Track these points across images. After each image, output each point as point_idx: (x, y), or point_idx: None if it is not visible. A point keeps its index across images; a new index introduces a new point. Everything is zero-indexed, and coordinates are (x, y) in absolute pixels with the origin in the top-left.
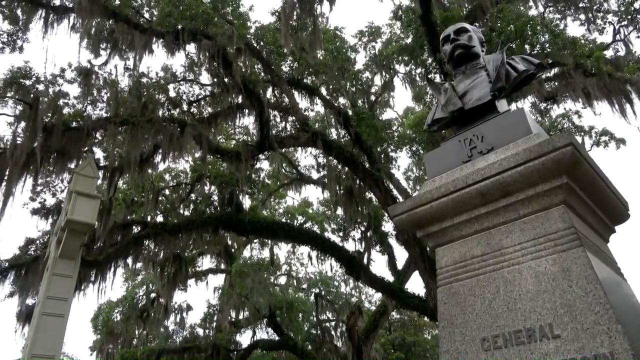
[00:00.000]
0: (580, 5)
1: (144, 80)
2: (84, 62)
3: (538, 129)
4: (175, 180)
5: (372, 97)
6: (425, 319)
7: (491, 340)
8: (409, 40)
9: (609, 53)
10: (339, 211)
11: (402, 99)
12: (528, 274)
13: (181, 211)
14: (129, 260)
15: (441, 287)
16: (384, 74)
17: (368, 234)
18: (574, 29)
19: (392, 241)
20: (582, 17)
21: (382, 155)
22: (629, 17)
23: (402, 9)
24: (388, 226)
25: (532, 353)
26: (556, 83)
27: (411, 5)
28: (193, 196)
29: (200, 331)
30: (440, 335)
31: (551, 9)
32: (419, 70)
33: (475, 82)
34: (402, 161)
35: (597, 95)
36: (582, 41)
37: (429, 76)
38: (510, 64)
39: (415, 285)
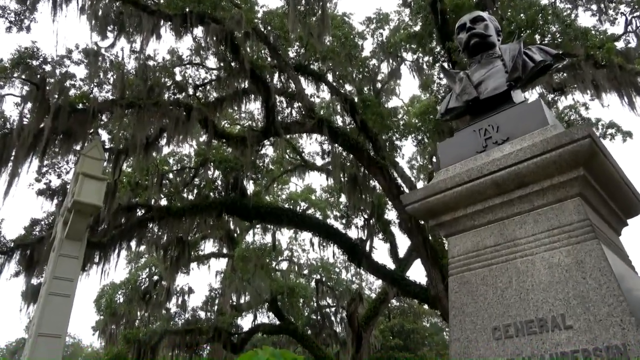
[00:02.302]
0: None
1: (151, 63)
2: (91, 44)
3: (554, 120)
4: (179, 164)
5: (379, 85)
6: (425, 306)
7: (502, 329)
8: (417, 28)
9: (619, 44)
10: (342, 198)
11: (408, 87)
12: (541, 265)
13: (185, 195)
14: (133, 243)
15: (453, 276)
16: (390, 61)
17: (371, 221)
18: (585, 19)
19: (395, 229)
20: (594, 7)
21: (387, 143)
22: None
23: None
24: (391, 214)
25: (543, 343)
26: (565, 74)
27: None
28: (197, 180)
29: (202, 314)
30: (451, 324)
31: None
32: (426, 59)
33: (490, 72)
34: (406, 150)
35: (607, 87)
36: (593, 32)
37: (444, 65)
38: (527, 54)
39: (416, 273)
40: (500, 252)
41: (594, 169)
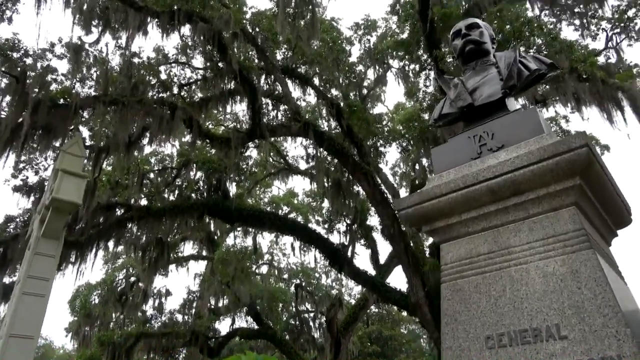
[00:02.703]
0: (576, 10)
1: (136, 60)
2: (75, 38)
3: (549, 129)
4: (161, 164)
5: (364, 91)
6: (404, 313)
7: (496, 338)
8: (404, 35)
9: (600, 59)
10: (325, 203)
11: (393, 94)
12: (536, 273)
13: (166, 196)
14: (111, 243)
15: (445, 284)
16: (377, 67)
17: (353, 227)
18: (568, 33)
19: (377, 236)
20: (577, 22)
21: (371, 149)
22: (622, 24)
23: (400, 2)
24: (373, 220)
25: (537, 353)
26: (547, 87)
27: (409, 0)
28: (179, 181)
29: (179, 317)
30: (443, 332)
31: (547, 12)
32: (412, 67)
33: (485, 79)
34: (390, 156)
35: (589, 100)
36: (577, 46)
37: (432, 72)
38: (522, 63)
39: (395, 280)
40: (494, 259)
41: (589, 179)
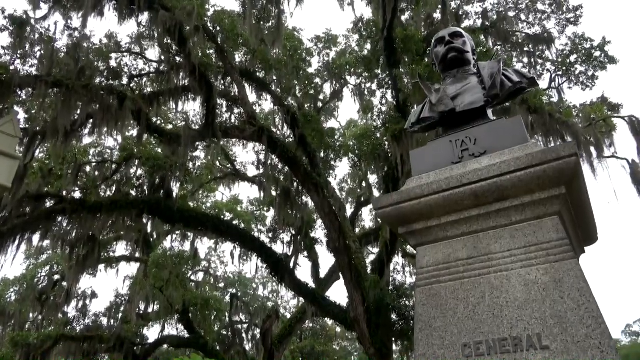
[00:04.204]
0: (525, 49)
1: (85, 44)
2: (20, 11)
3: (534, 139)
4: (101, 157)
5: (320, 104)
6: (337, 329)
7: (473, 346)
8: (364, 53)
9: (544, 98)
10: (270, 213)
11: (346, 111)
12: (517, 281)
13: (103, 191)
14: (36, 236)
15: (420, 288)
16: (334, 82)
17: (298, 238)
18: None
19: (320, 249)
20: (525, 60)
21: (323, 161)
22: (564, 68)
23: (364, 21)
24: (318, 233)
25: None
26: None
27: (373, 18)
28: (118, 177)
29: (104, 321)
30: (417, 338)
31: (500, 47)
32: (369, 85)
33: (467, 87)
34: (339, 171)
35: (536, 132)
36: None
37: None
38: (505, 75)
39: (334, 295)
40: (474, 265)
41: (573, 190)
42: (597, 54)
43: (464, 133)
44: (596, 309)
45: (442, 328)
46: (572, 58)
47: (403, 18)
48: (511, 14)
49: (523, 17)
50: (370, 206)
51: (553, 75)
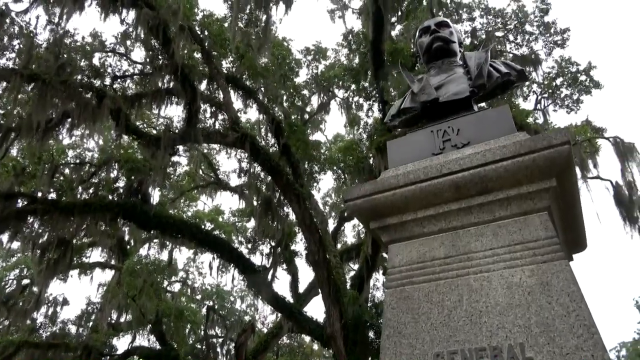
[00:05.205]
0: None
1: (68, 41)
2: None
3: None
4: (78, 158)
5: (306, 116)
6: (315, 347)
7: (447, 356)
8: (353, 66)
9: (529, 120)
10: (250, 223)
11: (333, 125)
12: (499, 283)
13: (79, 195)
14: (5, 237)
15: (391, 289)
16: (322, 95)
17: (278, 250)
18: None
19: (300, 262)
20: None
21: (307, 173)
22: (550, 90)
23: (353, 33)
24: (299, 246)
25: None
26: None
27: (362, 30)
28: (96, 179)
29: (72, 329)
30: (383, 346)
31: None
32: (356, 99)
33: (451, 77)
34: (323, 185)
35: None
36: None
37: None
38: (492, 65)
39: (312, 311)
40: (451, 265)
41: (565, 184)
42: (583, 78)
43: (447, 123)
44: (588, 316)
45: (413, 335)
46: (558, 81)
47: (393, 33)
48: (500, 34)
49: (511, 37)
50: (354, 221)
51: (539, 97)
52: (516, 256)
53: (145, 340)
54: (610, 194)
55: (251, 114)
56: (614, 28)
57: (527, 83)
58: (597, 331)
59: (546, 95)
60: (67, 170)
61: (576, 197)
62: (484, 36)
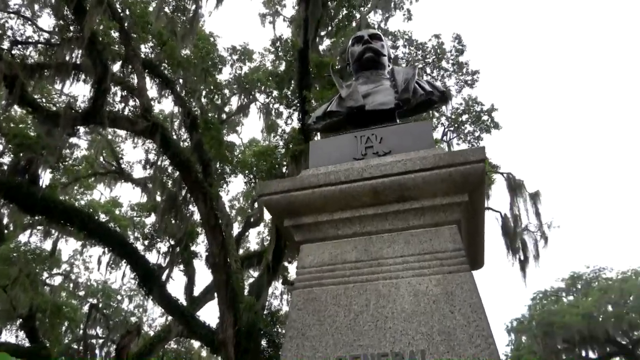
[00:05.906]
0: None
1: None
2: None
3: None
4: None
5: (224, 116)
6: (203, 353)
7: None
8: (278, 72)
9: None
10: (150, 219)
11: (250, 129)
12: (406, 290)
13: None
14: None
15: (298, 290)
16: (243, 97)
17: (177, 249)
18: None
19: (199, 265)
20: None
21: (218, 173)
22: (456, 125)
23: (282, 40)
24: (199, 247)
25: None
26: None
27: (292, 39)
28: None
29: None
30: (285, 348)
31: None
32: (277, 106)
33: (379, 88)
34: (232, 188)
35: None
36: None
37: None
38: (418, 83)
39: (206, 316)
40: (362, 270)
41: (475, 201)
42: (485, 117)
43: (370, 131)
44: (487, 327)
45: (317, 337)
46: (464, 117)
47: (321, 48)
48: (419, 65)
49: (429, 70)
50: (259, 228)
51: (446, 129)
52: (425, 265)
53: (13, 336)
54: (498, 224)
55: (166, 105)
56: (518, 75)
57: (437, 115)
58: (494, 342)
59: (452, 128)
60: None
61: (482, 215)
62: (404, 65)
